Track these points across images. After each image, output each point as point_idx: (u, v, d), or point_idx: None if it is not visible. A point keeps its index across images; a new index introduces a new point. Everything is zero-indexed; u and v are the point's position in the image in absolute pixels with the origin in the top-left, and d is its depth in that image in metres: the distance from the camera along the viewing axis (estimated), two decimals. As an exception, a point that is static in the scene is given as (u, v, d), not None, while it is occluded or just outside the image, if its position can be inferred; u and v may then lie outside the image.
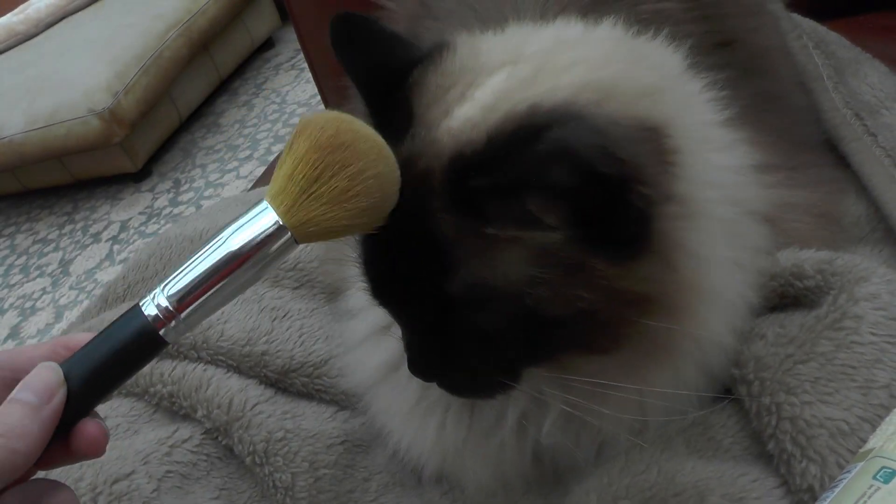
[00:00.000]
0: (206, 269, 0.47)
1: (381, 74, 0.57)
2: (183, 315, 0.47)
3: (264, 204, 0.47)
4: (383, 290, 0.54)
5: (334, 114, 0.49)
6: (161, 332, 0.47)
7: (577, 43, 0.59)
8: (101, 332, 0.47)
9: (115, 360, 0.47)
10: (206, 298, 0.47)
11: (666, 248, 0.51)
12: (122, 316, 0.47)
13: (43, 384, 0.45)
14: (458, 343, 0.52)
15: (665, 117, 0.53)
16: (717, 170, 0.58)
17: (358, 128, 0.48)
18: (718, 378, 0.58)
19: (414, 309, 0.53)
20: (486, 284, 0.49)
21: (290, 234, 0.47)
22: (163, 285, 0.47)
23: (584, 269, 0.48)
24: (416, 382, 0.57)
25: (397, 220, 0.50)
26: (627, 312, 0.50)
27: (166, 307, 0.46)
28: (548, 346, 0.52)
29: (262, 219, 0.47)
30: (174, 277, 0.47)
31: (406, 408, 0.63)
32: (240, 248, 0.47)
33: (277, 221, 0.47)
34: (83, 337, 0.49)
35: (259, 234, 0.47)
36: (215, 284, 0.47)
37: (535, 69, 0.54)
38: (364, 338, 0.68)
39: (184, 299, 0.46)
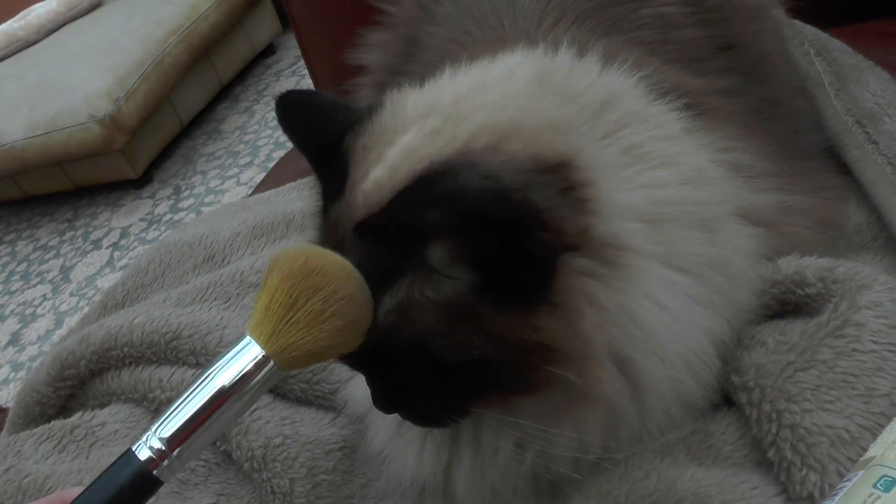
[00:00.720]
0: (197, 408, 0.49)
1: (323, 143, 0.59)
2: (175, 453, 0.49)
3: (247, 338, 0.50)
4: (359, 360, 0.56)
5: (303, 246, 0.52)
6: (155, 472, 0.49)
7: (492, 84, 0.59)
8: (96, 481, 0.49)
9: (116, 500, 0.48)
10: (198, 434, 0.49)
11: (568, 300, 0.50)
12: (115, 462, 0.49)
13: None
14: (402, 383, 0.53)
15: (574, 150, 0.53)
16: (651, 188, 0.56)
17: (327, 255, 0.51)
18: (693, 404, 0.57)
19: (363, 363, 0.55)
20: (398, 335, 0.50)
21: (272, 362, 0.49)
22: (154, 427, 0.49)
23: (473, 316, 0.49)
24: None
25: None
26: (529, 360, 0.50)
27: (159, 448, 0.48)
28: (469, 389, 0.53)
29: (246, 352, 0.50)
30: (166, 418, 0.49)
31: (399, 430, 0.63)
32: (226, 384, 0.49)
33: (260, 352, 0.49)
34: (77, 490, 0.50)
35: (244, 368, 0.49)
36: (205, 420, 0.49)
37: (442, 121, 0.55)
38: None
39: (175, 438, 0.49)
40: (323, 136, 0.60)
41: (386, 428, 0.64)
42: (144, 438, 0.49)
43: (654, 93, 0.63)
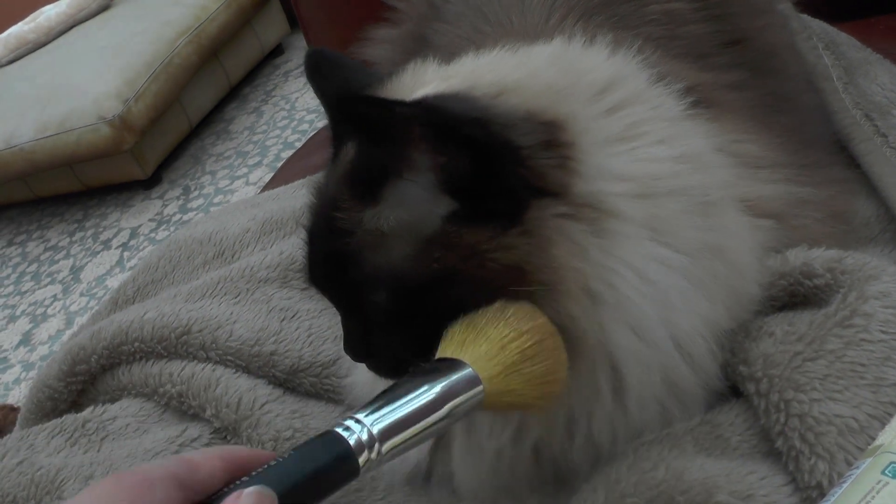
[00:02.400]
0: (411, 410, 0.47)
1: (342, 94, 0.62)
2: (384, 448, 0.46)
3: (472, 373, 0.49)
4: (312, 276, 0.59)
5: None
6: (360, 461, 0.46)
7: (510, 60, 0.62)
8: (296, 453, 0.46)
9: (313, 482, 0.45)
10: (404, 437, 0.47)
11: (542, 228, 0.51)
12: (316, 439, 0.46)
13: None
14: (374, 327, 0.55)
15: (567, 114, 0.54)
16: (645, 162, 0.56)
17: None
18: (690, 393, 0.57)
19: (334, 294, 0.58)
20: (377, 268, 0.53)
21: (482, 398, 0.49)
22: (365, 416, 0.46)
23: (447, 232, 0.51)
24: None
25: (316, 216, 0.57)
26: (499, 280, 0.51)
27: (369, 439, 0.46)
28: (436, 319, 0.53)
29: (464, 376, 0.48)
30: (378, 411, 0.47)
31: None
32: (440, 397, 0.48)
33: (478, 381, 0.48)
34: (241, 452, 0.49)
35: (459, 390, 0.48)
36: (414, 426, 0.47)
37: (459, 81, 0.57)
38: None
39: (387, 434, 0.46)
40: (344, 88, 0.62)
41: None
42: (352, 425, 0.46)
43: (658, 79, 0.63)
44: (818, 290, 0.59)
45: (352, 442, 0.45)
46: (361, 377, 0.68)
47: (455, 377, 0.48)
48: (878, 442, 0.46)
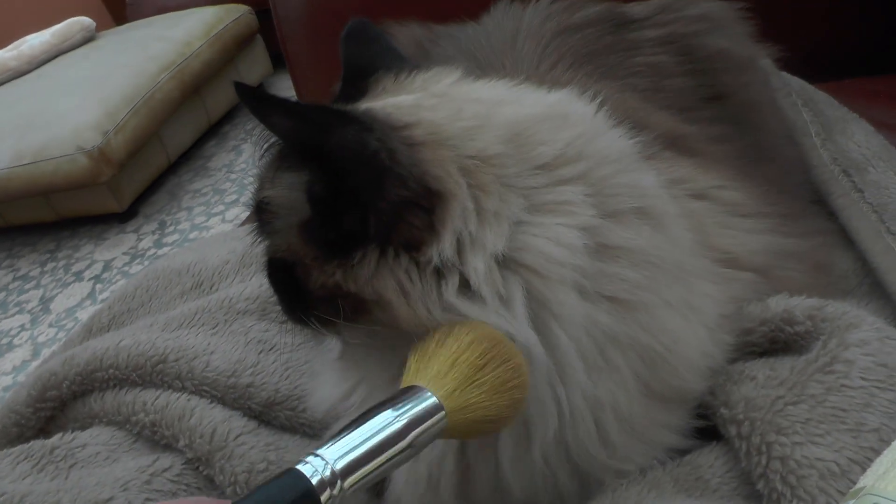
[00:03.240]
0: (371, 445, 0.46)
1: (361, 67, 0.64)
2: (347, 484, 0.45)
3: (422, 388, 0.48)
4: (248, 220, 0.61)
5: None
6: (322, 499, 0.44)
7: (481, 94, 0.61)
8: (256, 493, 0.44)
9: None
10: (366, 472, 0.46)
11: (383, 288, 0.52)
12: (277, 478, 0.45)
13: None
14: (272, 280, 0.59)
15: (454, 192, 0.52)
16: (541, 239, 0.52)
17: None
18: None
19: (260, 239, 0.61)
20: (262, 227, 0.58)
21: (444, 418, 0.47)
22: (324, 452, 0.45)
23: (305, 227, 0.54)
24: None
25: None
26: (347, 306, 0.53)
27: (331, 477, 0.44)
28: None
29: (423, 401, 0.47)
30: (336, 447, 0.46)
31: None
32: (400, 427, 0.46)
33: (437, 403, 0.47)
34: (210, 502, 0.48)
35: (419, 415, 0.47)
36: (375, 460, 0.46)
37: (425, 97, 0.58)
38: (320, 371, 0.70)
39: (348, 471, 0.45)
40: (366, 64, 0.64)
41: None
42: (314, 462, 0.45)
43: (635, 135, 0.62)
44: (799, 337, 0.60)
45: (314, 481, 0.44)
46: (321, 394, 0.68)
47: (413, 401, 0.47)
48: (860, 485, 0.46)
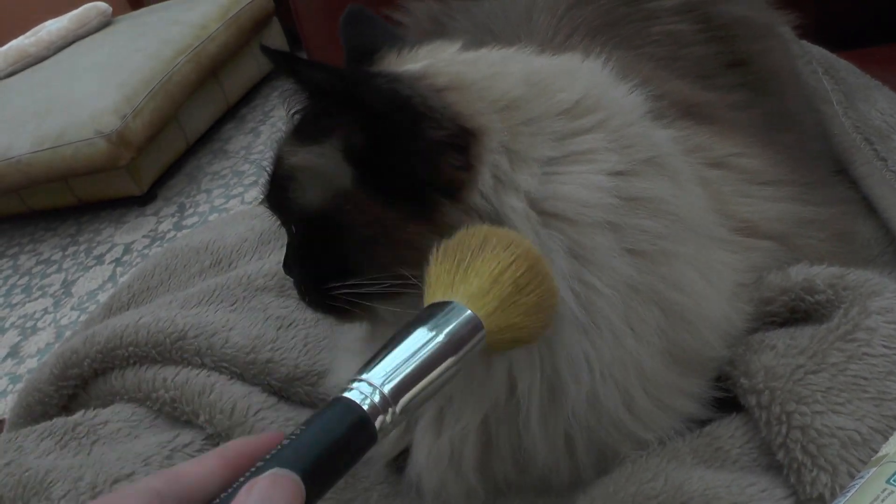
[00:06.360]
0: (417, 364, 0.44)
1: (362, 49, 0.65)
2: (398, 408, 0.43)
3: (469, 311, 0.46)
4: (264, 197, 0.61)
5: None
6: (376, 425, 0.42)
7: (491, 57, 0.61)
8: (308, 427, 0.41)
9: (333, 457, 0.41)
10: (415, 392, 0.44)
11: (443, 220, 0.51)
12: (326, 409, 0.42)
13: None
14: (307, 254, 0.57)
15: (487, 126, 0.53)
16: (571, 186, 0.53)
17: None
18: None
19: (278, 215, 0.61)
20: (294, 199, 0.56)
21: (484, 338, 0.46)
22: (372, 375, 0.43)
23: (354, 192, 0.54)
24: None
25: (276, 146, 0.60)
26: (389, 254, 0.53)
27: (382, 402, 0.42)
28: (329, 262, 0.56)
29: (463, 318, 0.46)
30: (380, 369, 0.44)
31: None
32: (444, 342, 0.45)
33: (478, 321, 0.46)
34: (244, 444, 0.43)
35: (462, 332, 0.45)
36: (423, 379, 0.44)
37: (423, 66, 0.58)
38: (342, 353, 0.70)
39: (398, 393, 0.43)
40: (367, 44, 0.65)
41: None
42: (361, 388, 0.42)
43: (654, 100, 0.62)
44: (819, 306, 0.59)
45: (366, 407, 0.42)
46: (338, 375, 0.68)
47: (455, 321, 0.45)
48: (882, 452, 0.46)
